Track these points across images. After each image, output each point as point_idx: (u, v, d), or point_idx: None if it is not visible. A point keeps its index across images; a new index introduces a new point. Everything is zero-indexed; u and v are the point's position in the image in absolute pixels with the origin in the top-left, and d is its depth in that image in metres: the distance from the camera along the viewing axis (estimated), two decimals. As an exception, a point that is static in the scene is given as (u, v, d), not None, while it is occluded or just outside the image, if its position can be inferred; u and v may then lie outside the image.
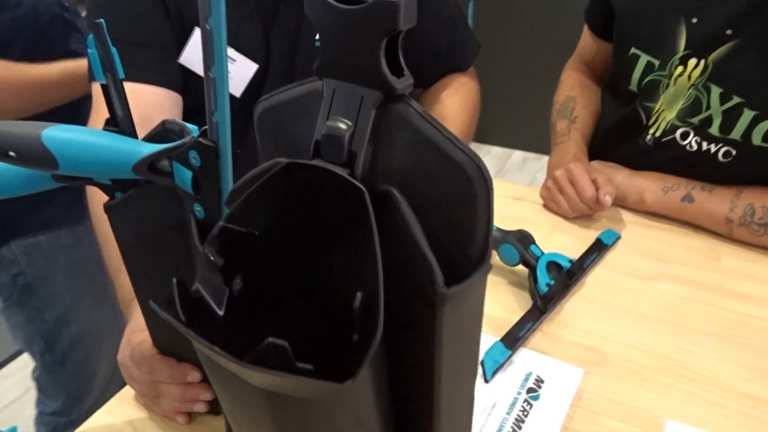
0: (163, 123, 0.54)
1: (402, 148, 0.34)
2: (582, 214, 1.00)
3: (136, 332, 0.68)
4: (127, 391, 0.72)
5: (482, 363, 0.72)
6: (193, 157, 0.48)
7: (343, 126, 0.34)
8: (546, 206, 1.05)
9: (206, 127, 0.46)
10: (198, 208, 0.51)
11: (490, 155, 3.27)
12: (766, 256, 0.92)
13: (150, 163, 0.50)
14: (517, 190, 1.10)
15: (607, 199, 0.96)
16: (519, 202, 1.07)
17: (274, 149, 0.41)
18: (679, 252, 0.94)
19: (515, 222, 0.90)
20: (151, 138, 0.55)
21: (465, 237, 0.33)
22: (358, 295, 0.31)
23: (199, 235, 0.51)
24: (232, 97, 0.96)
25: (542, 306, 0.79)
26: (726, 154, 0.94)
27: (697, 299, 0.86)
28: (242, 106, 0.75)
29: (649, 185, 1.00)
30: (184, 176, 0.50)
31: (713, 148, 0.94)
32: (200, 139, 0.47)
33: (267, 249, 0.39)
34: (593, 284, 0.88)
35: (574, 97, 1.13)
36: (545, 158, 1.29)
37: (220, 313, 0.38)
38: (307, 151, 0.37)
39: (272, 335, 0.41)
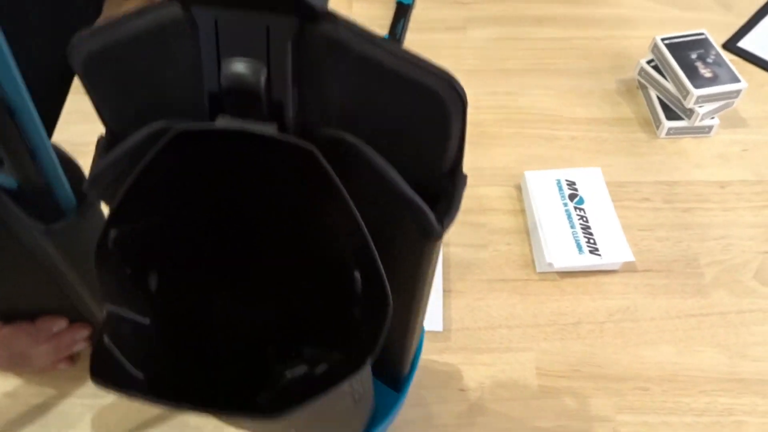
0: None
1: (340, 79, 0.25)
2: (372, -28, 0.93)
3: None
4: (-24, 363, 0.60)
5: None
6: (-33, 125, 0.33)
7: (252, 71, 0.24)
8: (332, -27, 0.94)
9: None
10: (2, 178, 0.37)
11: None
12: (550, -28, 0.95)
13: None
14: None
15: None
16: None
17: (124, 101, 0.29)
18: (475, -12, 0.93)
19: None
20: None
21: (435, 156, 0.28)
22: (356, 275, 0.26)
23: (21, 207, 0.38)
24: None
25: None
26: None
27: (505, 37, 0.88)
28: None
29: None
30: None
31: None
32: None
33: (177, 230, 0.30)
34: (412, 52, 0.85)
35: None
36: None
37: (146, 322, 0.31)
38: (185, 101, 0.27)
39: (212, 318, 0.34)
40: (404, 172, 0.28)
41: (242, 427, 0.36)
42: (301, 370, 0.24)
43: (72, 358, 0.60)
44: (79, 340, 0.58)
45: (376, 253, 0.26)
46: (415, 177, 0.29)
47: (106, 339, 0.26)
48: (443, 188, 0.30)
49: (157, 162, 0.26)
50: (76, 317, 0.56)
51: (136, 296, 0.30)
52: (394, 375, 0.49)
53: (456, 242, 0.68)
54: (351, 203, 0.25)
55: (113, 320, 0.28)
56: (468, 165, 0.77)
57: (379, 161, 0.27)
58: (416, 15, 0.90)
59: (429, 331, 0.62)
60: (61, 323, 0.56)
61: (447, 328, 0.62)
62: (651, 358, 0.60)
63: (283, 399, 0.24)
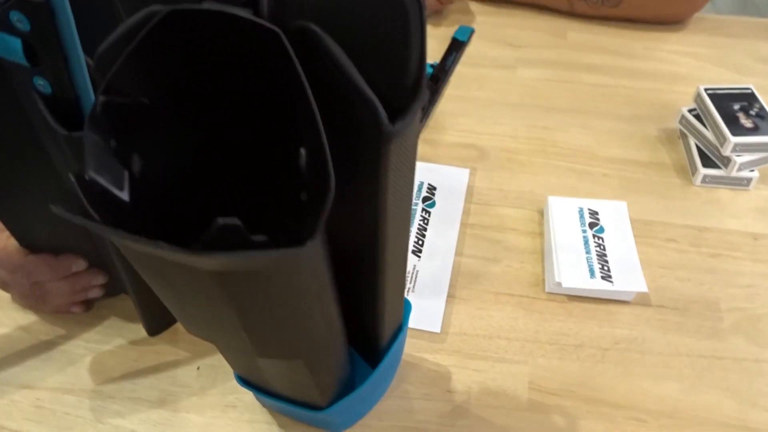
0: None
1: (312, -27, 0.29)
2: (432, 10, 0.98)
3: (-10, 235, 0.59)
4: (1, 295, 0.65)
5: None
6: (18, 20, 0.38)
7: (233, -45, 0.28)
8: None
9: (25, -23, 0.37)
10: (41, 83, 0.42)
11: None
12: (606, 27, 0.97)
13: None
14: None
15: (456, -7, 0.94)
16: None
17: (139, 4, 0.33)
18: (529, 35, 0.97)
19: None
20: None
21: (397, 67, 0.30)
22: (302, 151, 0.28)
23: (52, 114, 0.43)
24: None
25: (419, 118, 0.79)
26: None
27: (553, 79, 0.90)
28: None
29: (493, -30, 0.99)
30: (8, 45, 0.40)
31: None
32: (21, -6, 0.37)
33: (162, 117, 0.33)
34: (460, 83, 0.89)
35: None
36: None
37: (126, 199, 0.33)
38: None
39: (189, 211, 0.37)
40: (369, 81, 0.30)
41: (197, 328, 0.37)
42: (233, 220, 0.26)
43: (86, 305, 0.63)
44: (95, 286, 0.62)
45: (322, 127, 0.27)
46: (379, 89, 0.31)
47: (72, 177, 0.28)
48: (406, 104, 0.31)
49: (150, 41, 0.30)
50: (94, 261, 0.60)
51: (119, 174, 0.33)
52: (370, 341, 0.49)
53: (468, 253, 0.68)
54: (306, 83, 0.28)
55: (91, 184, 0.31)
56: (493, 186, 0.79)
57: (338, 52, 0.29)
58: (470, 51, 0.94)
59: (425, 331, 0.61)
60: (80, 263, 0.60)
61: (444, 331, 0.62)
62: (652, 391, 0.57)
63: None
